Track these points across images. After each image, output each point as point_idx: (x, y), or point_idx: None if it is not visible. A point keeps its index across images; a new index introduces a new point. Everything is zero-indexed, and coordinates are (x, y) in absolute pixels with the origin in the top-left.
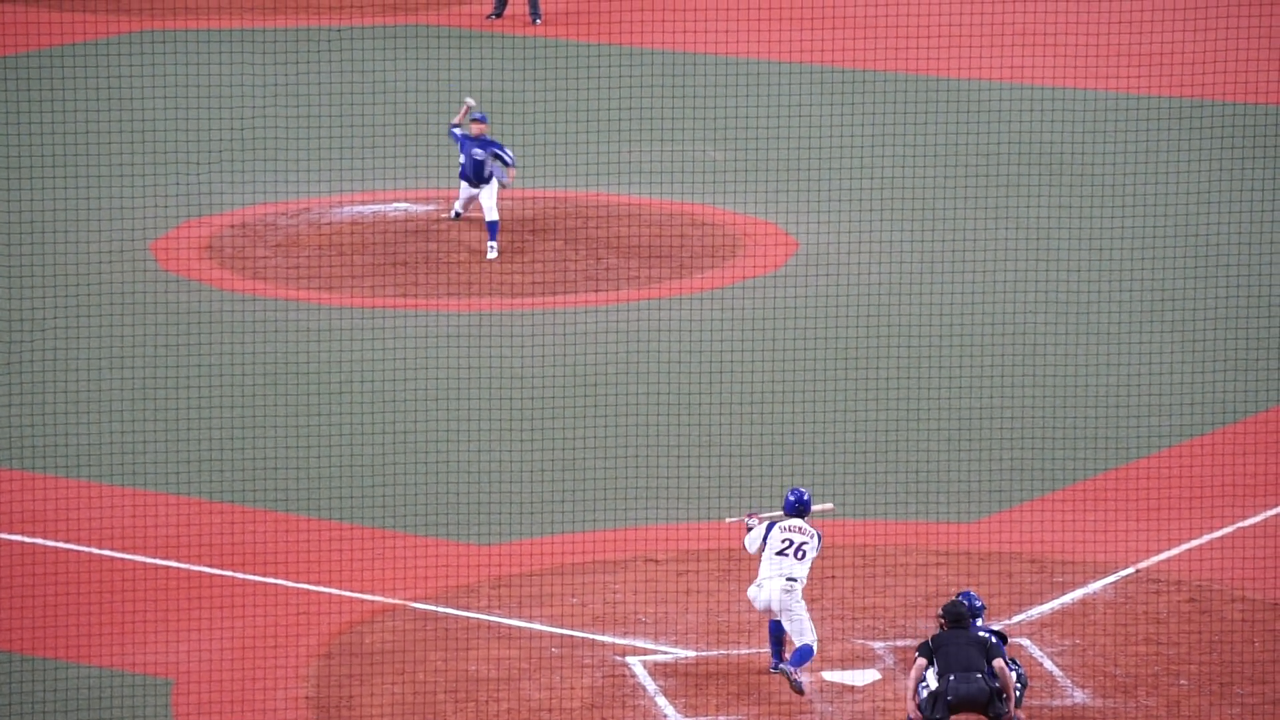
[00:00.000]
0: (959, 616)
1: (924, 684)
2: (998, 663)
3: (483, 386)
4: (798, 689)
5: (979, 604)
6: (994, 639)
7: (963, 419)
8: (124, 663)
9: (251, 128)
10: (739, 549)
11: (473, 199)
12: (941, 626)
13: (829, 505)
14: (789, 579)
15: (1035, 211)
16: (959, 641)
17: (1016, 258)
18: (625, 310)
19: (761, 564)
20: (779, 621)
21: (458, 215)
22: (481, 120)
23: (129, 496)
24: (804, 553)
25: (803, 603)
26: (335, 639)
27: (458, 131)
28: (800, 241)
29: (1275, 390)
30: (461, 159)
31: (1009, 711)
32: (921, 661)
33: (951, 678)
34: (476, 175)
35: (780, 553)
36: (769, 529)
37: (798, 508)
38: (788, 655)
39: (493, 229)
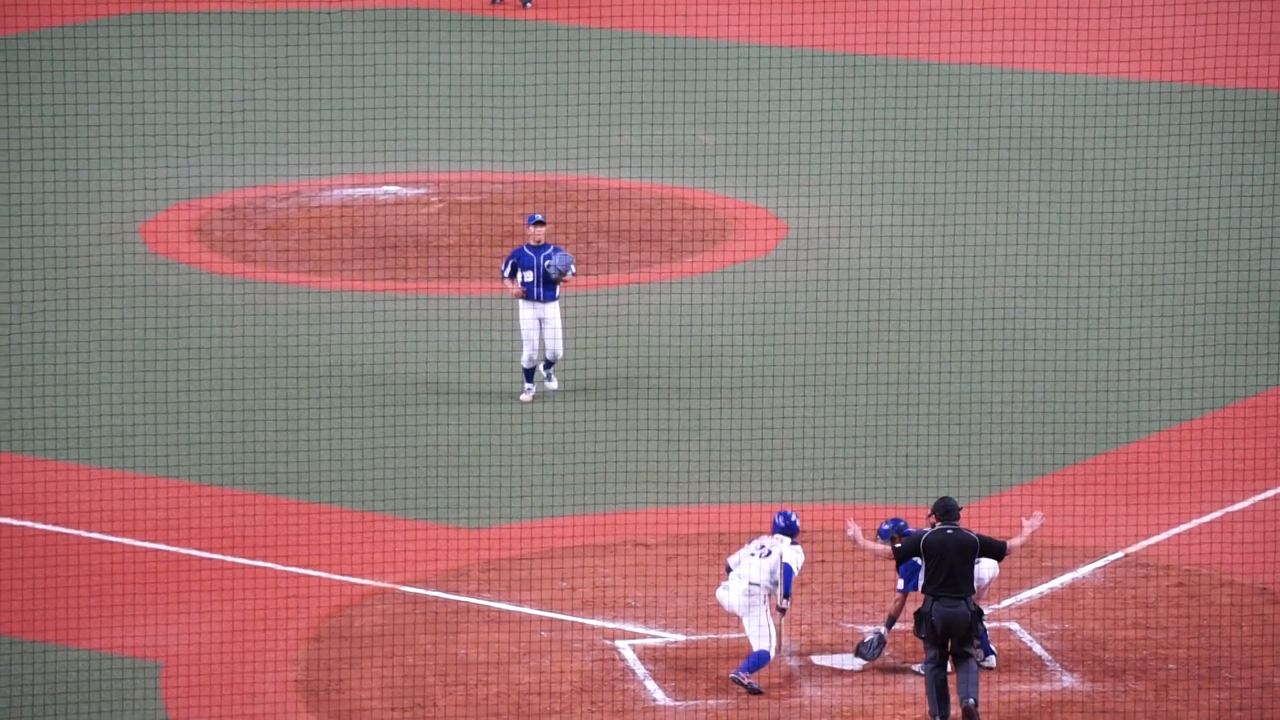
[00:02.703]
0: (948, 510)
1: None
2: (987, 562)
3: (472, 370)
4: (754, 691)
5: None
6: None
7: (952, 404)
8: (113, 646)
9: (241, 110)
10: (728, 533)
11: (539, 326)
12: (932, 524)
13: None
14: (751, 583)
15: (1025, 196)
16: (949, 550)
17: (1006, 243)
18: (614, 294)
19: (739, 564)
20: (765, 653)
21: (532, 371)
22: (542, 222)
23: (118, 479)
24: (769, 551)
25: (763, 608)
26: (325, 622)
27: (528, 252)
28: (790, 226)
29: (1264, 375)
30: (528, 276)
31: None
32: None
33: (937, 603)
34: (548, 290)
35: (752, 554)
36: (750, 542)
37: (786, 529)
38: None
39: (551, 364)
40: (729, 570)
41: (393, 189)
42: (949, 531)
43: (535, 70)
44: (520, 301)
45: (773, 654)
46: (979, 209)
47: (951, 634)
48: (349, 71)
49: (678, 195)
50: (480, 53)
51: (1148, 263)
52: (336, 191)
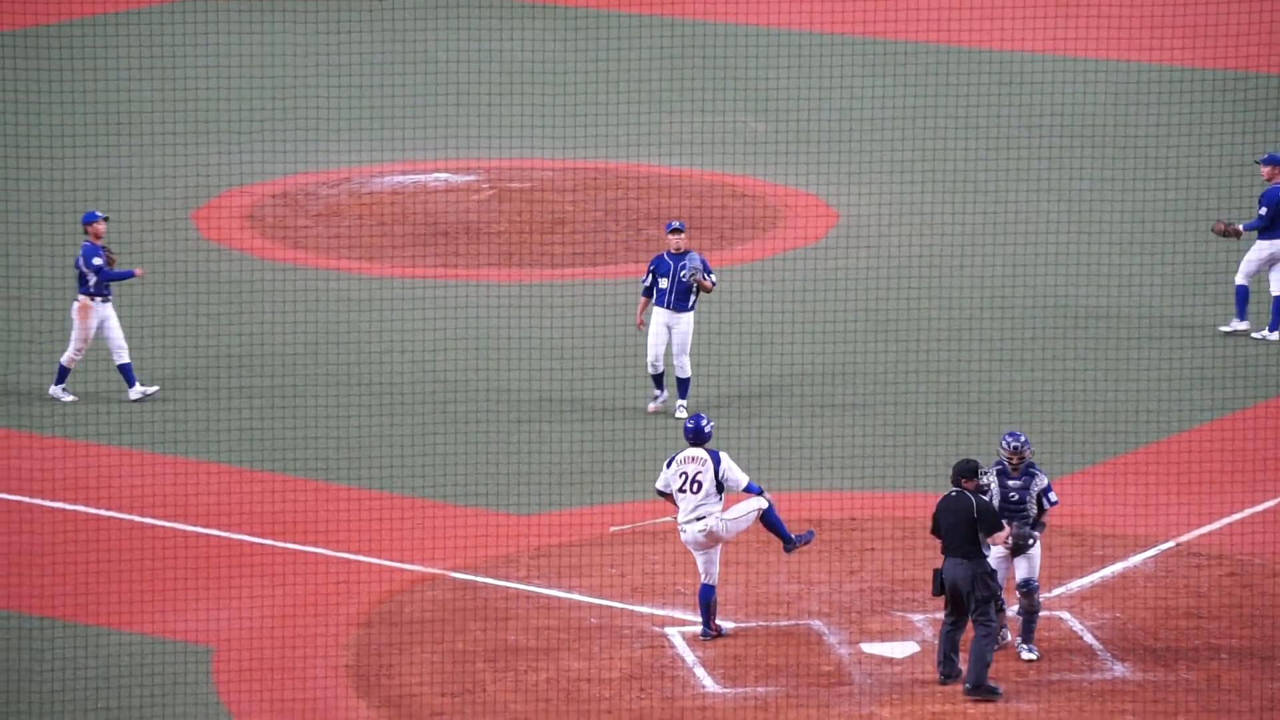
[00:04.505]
0: (956, 473)
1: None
2: (997, 536)
3: (522, 356)
4: (806, 540)
5: (1023, 439)
6: (991, 504)
7: (1003, 392)
8: (165, 630)
9: (293, 97)
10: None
11: (666, 336)
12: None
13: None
14: (699, 519)
15: (1077, 184)
16: (949, 512)
17: (1057, 230)
18: None
19: (679, 504)
20: (711, 586)
21: (660, 378)
22: (680, 230)
23: (170, 465)
24: (699, 484)
25: (721, 540)
26: (375, 608)
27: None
28: (841, 213)
29: None
30: (663, 283)
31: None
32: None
33: (945, 561)
34: (681, 299)
35: (681, 490)
36: (669, 463)
37: (695, 435)
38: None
39: (686, 386)
40: (661, 495)
41: (443, 176)
42: (953, 495)
43: (586, 56)
44: (655, 308)
45: (714, 591)
46: (1030, 197)
47: (958, 592)
48: (400, 58)
49: (728, 182)
50: (531, 39)
51: (1200, 250)
52: (387, 178)
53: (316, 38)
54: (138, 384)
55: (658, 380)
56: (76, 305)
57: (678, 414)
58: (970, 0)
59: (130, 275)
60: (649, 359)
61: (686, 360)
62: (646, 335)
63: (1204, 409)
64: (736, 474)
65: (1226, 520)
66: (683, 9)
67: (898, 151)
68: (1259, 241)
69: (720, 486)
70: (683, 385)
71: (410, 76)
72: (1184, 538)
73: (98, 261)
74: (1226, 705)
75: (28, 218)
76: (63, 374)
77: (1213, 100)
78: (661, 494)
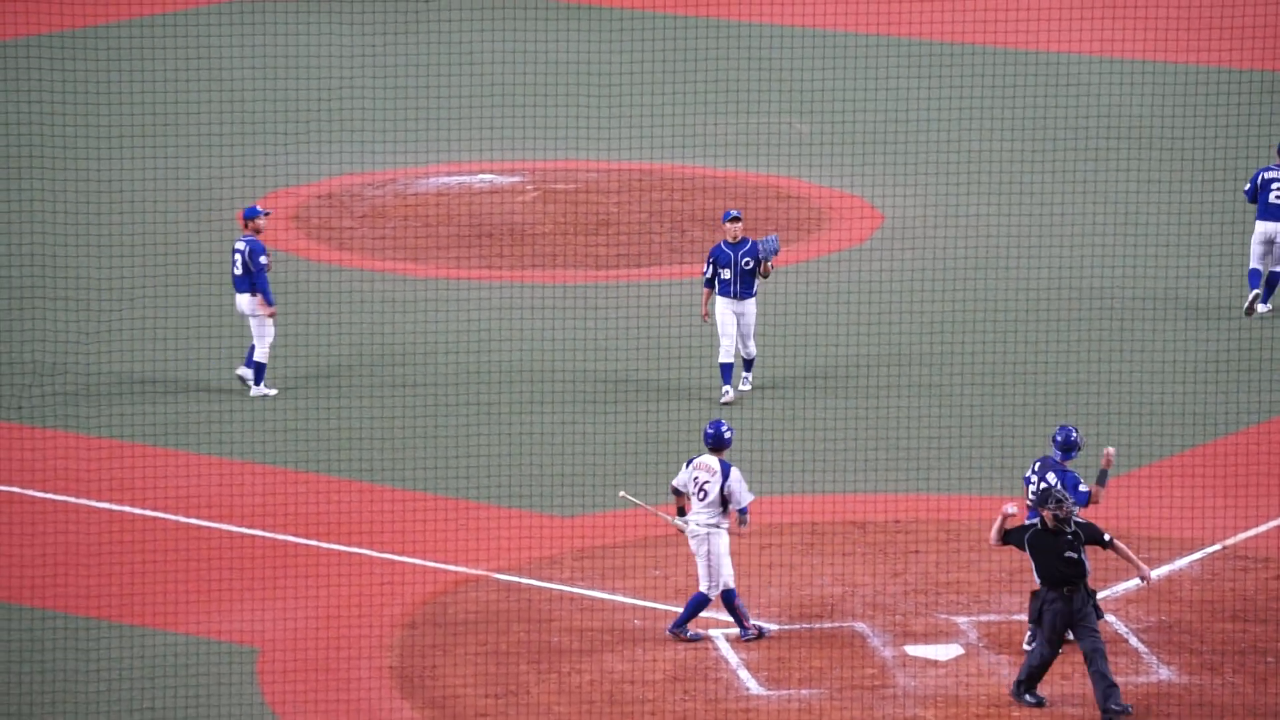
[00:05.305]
0: (1038, 501)
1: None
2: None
3: (566, 358)
4: (695, 639)
5: (1074, 436)
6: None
7: (1049, 394)
8: (210, 631)
9: (339, 98)
10: (821, 523)
11: (736, 321)
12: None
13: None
14: (697, 525)
15: (1123, 186)
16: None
17: (1103, 233)
18: None
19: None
20: (730, 590)
21: (730, 369)
22: (738, 218)
23: (215, 465)
24: (706, 493)
25: (714, 546)
26: (419, 609)
27: (726, 247)
28: (886, 215)
29: None
30: (725, 274)
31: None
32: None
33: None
34: (745, 286)
35: (691, 493)
36: (688, 464)
37: (714, 440)
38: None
39: (751, 364)
40: (675, 493)
41: (488, 177)
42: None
43: (630, 58)
44: (718, 298)
45: (712, 596)
46: (1076, 199)
47: None
48: (445, 59)
49: (773, 184)
50: (576, 40)
51: (1247, 252)
52: (432, 179)
53: (362, 39)
54: (262, 383)
55: (728, 373)
56: (256, 301)
57: (743, 386)
58: (1016, 1)
59: (269, 295)
60: (725, 348)
61: (753, 343)
62: (717, 328)
63: (1251, 411)
64: (740, 492)
65: (1273, 523)
66: (727, 10)
67: (943, 153)
68: (1257, 223)
69: (725, 501)
70: (749, 364)
71: (455, 78)
72: (1230, 541)
73: (264, 260)
74: (1273, 709)
75: (75, 219)
76: (260, 372)
77: (1260, 102)
78: (676, 492)
